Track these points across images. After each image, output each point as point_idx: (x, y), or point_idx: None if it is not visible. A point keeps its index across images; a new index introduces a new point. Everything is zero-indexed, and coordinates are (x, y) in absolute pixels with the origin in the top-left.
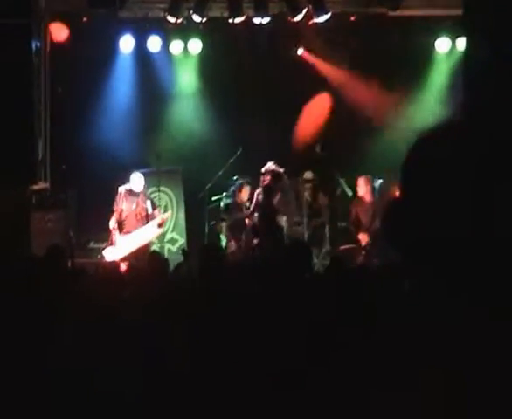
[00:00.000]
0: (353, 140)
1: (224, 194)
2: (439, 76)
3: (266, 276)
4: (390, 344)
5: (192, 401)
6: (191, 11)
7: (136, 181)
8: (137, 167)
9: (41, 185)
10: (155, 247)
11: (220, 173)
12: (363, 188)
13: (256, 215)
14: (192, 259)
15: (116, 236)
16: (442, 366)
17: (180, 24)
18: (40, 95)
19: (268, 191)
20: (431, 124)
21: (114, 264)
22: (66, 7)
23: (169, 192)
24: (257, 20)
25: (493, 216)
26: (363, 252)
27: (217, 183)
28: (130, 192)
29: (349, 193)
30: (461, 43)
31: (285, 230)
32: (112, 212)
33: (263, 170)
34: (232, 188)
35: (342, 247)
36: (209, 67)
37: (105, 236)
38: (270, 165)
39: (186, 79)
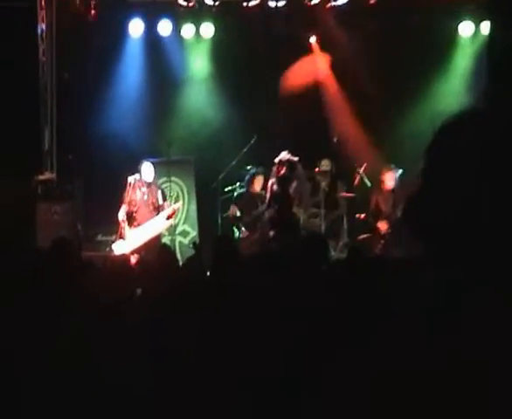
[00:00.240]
0: (371, 128)
1: (238, 184)
2: (463, 61)
3: (281, 269)
4: (407, 337)
5: (201, 397)
6: None
7: (147, 170)
8: (147, 156)
9: (47, 175)
10: (165, 240)
11: (234, 162)
12: (391, 180)
13: (272, 206)
14: (204, 252)
15: (125, 228)
16: (467, 363)
17: (192, 6)
18: (46, 82)
19: (283, 182)
20: (454, 111)
21: (123, 258)
22: None
23: (181, 183)
24: (272, 3)
25: None
26: (382, 241)
27: (230, 173)
28: (141, 182)
29: (368, 184)
30: (486, 27)
31: (301, 222)
32: (121, 203)
33: (277, 160)
34: (246, 178)
35: (361, 237)
36: (222, 52)
37: (113, 229)
38: (284, 154)
39: (198, 65)
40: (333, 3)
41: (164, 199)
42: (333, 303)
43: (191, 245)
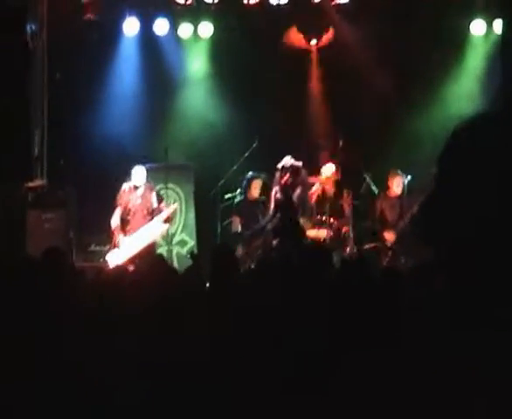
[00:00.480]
0: (379, 131)
1: (239, 191)
2: (475, 61)
3: (283, 282)
4: (417, 352)
5: (198, 413)
6: None
7: (138, 173)
8: (143, 161)
9: (37, 182)
10: (162, 250)
11: (234, 168)
12: (399, 186)
13: (275, 216)
14: (203, 263)
15: (119, 237)
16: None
17: (189, 5)
18: (37, 83)
19: (287, 190)
20: (466, 114)
21: (116, 272)
22: None
23: (178, 189)
24: (274, 1)
25: None
26: (390, 252)
27: (230, 179)
28: (134, 188)
29: (376, 191)
30: (498, 25)
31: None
32: (113, 209)
33: (279, 166)
34: (243, 184)
35: (367, 246)
36: (221, 53)
37: (107, 238)
38: (287, 160)
39: (196, 66)
40: (338, 1)
41: (160, 201)
42: (339, 318)
43: (189, 255)
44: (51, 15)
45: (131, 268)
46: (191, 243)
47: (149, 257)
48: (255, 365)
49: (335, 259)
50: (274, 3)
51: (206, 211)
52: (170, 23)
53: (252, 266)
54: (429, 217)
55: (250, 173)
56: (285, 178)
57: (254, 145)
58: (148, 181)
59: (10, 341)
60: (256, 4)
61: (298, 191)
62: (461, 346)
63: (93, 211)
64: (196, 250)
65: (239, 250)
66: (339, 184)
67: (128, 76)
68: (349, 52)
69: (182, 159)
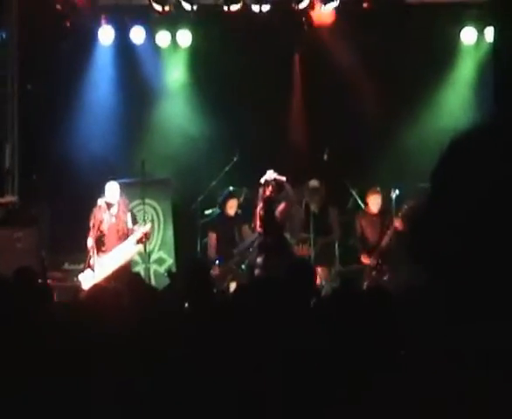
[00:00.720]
0: (365, 145)
1: (217, 206)
2: (466, 70)
3: (265, 303)
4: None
5: None
6: None
7: (111, 190)
8: (119, 176)
9: (8, 198)
10: (139, 268)
11: (214, 183)
12: (375, 204)
13: (263, 233)
14: (180, 282)
15: (94, 257)
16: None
17: (167, 12)
18: (7, 94)
19: (270, 204)
20: (458, 124)
21: (93, 291)
22: None
23: (156, 205)
24: (255, 7)
25: None
26: (374, 272)
27: (211, 194)
28: (108, 206)
29: (363, 206)
30: (489, 33)
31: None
32: (89, 229)
33: (262, 180)
34: (220, 199)
35: (353, 265)
36: (200, 62)
37: (81, 257)
38: (270, 174)
39: (174, 76)
40: (322, 8)
41: (134, 222)
42: (325, 345)
43: (166, 274)
44: (23, 22)
45: (108, 287)
46: (170, 261)
47: (126, 276)
48: (235, 385)
49: (320, 278)
50: (256, 10)
51: (186, 227)
52: (147, 31)
53: (231, 285)
54: (421, 235)
55: (230, 188)
56: (267, 192)
57: (235, 159)
58: (122, 197)
59: None
60: (237, 12)
61: (282, 206)
62: (457, 342)
63: (67, 229)
64: (174, 268)
65: (215, 269)
66: (324, 199)
67: (104, 86)
68: (335, 62)
69: (160, 173)
